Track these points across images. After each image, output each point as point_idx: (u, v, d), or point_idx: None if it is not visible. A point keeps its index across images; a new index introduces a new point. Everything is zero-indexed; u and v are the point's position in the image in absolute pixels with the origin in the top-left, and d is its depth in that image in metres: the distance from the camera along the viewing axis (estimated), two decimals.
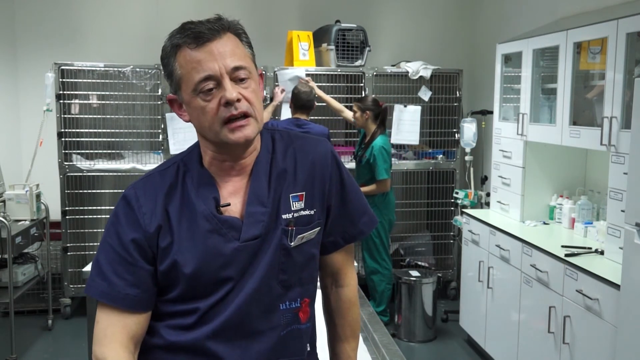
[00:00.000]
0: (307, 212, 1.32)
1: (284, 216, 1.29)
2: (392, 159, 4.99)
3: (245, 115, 1.22)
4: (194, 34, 1.20)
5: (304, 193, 1.33)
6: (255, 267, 1.26)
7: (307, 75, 4.82)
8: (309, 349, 1.41)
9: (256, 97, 1.25)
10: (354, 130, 4.98)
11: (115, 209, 1.28)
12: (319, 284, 1.47)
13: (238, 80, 1.22)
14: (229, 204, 1.28)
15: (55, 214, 4.70)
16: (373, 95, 4.66)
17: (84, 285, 3.73)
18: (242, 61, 1.23)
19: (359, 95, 4.80)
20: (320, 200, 1.35)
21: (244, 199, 1.29)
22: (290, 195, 1.31)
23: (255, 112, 1.25)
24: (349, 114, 4.58)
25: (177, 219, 1.26)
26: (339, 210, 1.39)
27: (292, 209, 1.31)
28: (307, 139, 1.40)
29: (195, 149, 1.33)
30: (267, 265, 1.27)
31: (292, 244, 1.30)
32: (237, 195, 1.30)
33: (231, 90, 1.20)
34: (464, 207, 4.67)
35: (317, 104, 4.53)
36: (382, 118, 4.43)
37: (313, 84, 4.62)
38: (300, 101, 4.38)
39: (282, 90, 4.66)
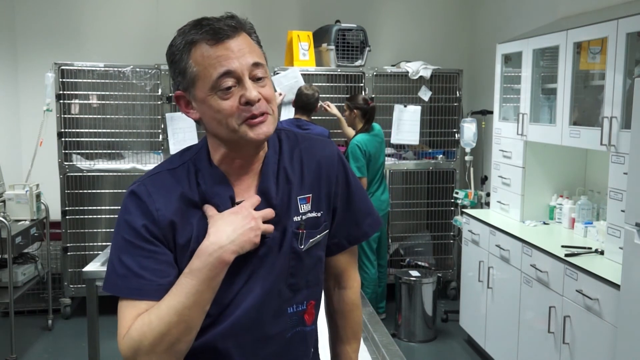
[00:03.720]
0: (314, 215, 1.31)
1: (294, 219, 1.28)
2: (392, 159, 5.01)
3: (263, 113, 1.20)
4: (213, 30, 1.17)
5: (311, 195, 1.31)
6: (264, 269, 1.25)
7: (305, 75, 4.82)
8: (312, 350, 1.41)
9: (272, 93, 1.23)
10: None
11: (125, 205, 1.23)
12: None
13: (256, 79, 1.20)
14: (243, 201, 1.26)
15: (55, 214, 4.70)
16: (363, 94, 4.68)
17: (84, 286, 3.73)
18: (260, 59, 1.21)
19: None
20: (327, 202, 1.34)
21: None
22: (298, 197, 1.29)
23: (273, 109, 1.23)
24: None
25: (199, 221, 1.22)
26: (344, 212, 1.38)
27: (301, 211, 1.29)
28: (313, 140, 1.38)
29: (203, 148, 1.29)
30: (278, 268, 1.25)
31: (303, 247, 1.28)
32: (246, 195, 1.27)
33: (252, 89, 1.17)
34: (464, 207, 4.67)
35: (320, 104, 4.54)
36: (370, 117, 4.44)
37: (333, 108, 4.64)
38: (300, 102, 4.41)
39: (280, 94, 4.69)
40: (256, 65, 1.19)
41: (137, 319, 1.15)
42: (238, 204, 1.24)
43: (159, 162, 5.27)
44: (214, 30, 1.17)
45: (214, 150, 1.27)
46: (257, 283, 1.24)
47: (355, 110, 4.42)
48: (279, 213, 1.26)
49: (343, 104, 4.57)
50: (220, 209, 1.23)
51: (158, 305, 1.15)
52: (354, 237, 1.42)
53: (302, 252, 1.29)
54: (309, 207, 1.30)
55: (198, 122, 1.25)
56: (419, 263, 5.20)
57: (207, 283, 1.14)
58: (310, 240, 1.30)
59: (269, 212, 1.23)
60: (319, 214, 1.32)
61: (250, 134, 1.19)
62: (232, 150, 1.24)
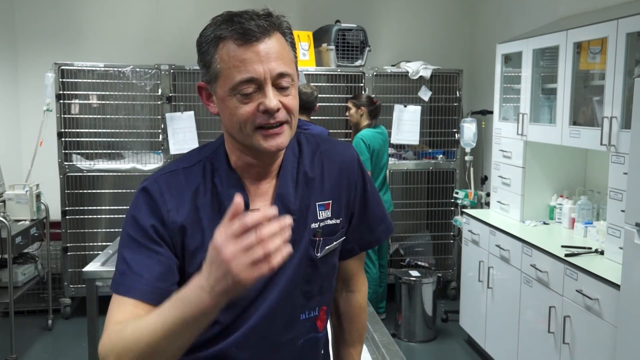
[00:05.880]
0: (332, 222, 1.28)
1: (312, 225, 1.25)
2: (392, 159, 5.00)
3: (281, 123, 1.15)
4: (243, 30, 1.11)
5: (330, 202, 1.28)
6: (279, 277, 1.21)
7: (306, 75, 4.82)
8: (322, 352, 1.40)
9: (296, 104, 1.18)
10: None
11: (135, 201, 1.19)
12: None
13: (280, 88, 1.14)
14: (258, 210, 1.24)
15: (55, 214, 4.70)
16: (366, 92, 4.69)
17: (84, 286, 3.73)
18: (287, 67, 1.15)
19: None
20: (345, 209, 1.31)
21: (270, 203, 1.23)
22: (317, 203, 1.26)
23: (292, 120, 1.18)
24: None
25: (210, 223, 1.17)
26: (360, 218, 1.35)
27: (319, 218, 1.26)
28: (333, 143, 1.34)
29: (221, 147, 1.25)
30: (292, 275, 1.23)
31: (319, 255, 1.26)
32: (263, 199, 1.23)
33: (272, 99, 1.12)
34: (464, 207, 4.67)
35: (319, 104, 4.54)
36: (376, 114, 4.50)
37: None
38: (300, 101, 4.40)
39: None
40: (282, 74, 1.13)
41: (118, 324, 1.08)
42: (252, 210, 1.21)
43: (159, 162, 5.16)
44: (244, 30, 1.11)
45: (231, 151, 1.23)
46: (272, 290, 1.21)
47: (362, 107, 4.45)
48: (297, 219, 1.22)
49: (346, 104, 4.57)
50: None
51: (139, 319, 1.06)
52: (367, 242, 1.40)
53: (318, 259, 1.26)
54: (328, 213, 1.27)
55: (217, 116, 1.21)
56: (419, 263, 5.20)
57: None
58: (326, 248, 1.27)
59: None
60: (338, 221, 1.29)
61: (264, 144, 1.15)
62: (247, 154, 1.21)
